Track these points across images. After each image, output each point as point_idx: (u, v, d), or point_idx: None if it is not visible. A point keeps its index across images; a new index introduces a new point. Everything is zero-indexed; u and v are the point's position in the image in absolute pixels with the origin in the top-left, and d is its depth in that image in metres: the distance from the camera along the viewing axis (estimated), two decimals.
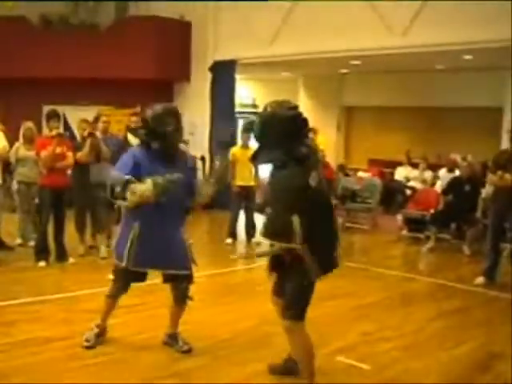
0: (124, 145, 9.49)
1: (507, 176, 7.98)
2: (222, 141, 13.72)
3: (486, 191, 9.98)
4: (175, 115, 5.20)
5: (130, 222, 5.11)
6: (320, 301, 7.25)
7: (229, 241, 10.75)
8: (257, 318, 6.51)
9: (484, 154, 12.62)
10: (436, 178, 13.28)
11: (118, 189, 4.81)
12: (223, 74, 14.60)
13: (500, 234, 8.46)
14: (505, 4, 9.83)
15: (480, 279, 8.51)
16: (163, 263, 5.17)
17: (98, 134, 9.34)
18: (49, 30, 14.10)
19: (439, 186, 12.19)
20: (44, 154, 8.44)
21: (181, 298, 5.38)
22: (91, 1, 14.40)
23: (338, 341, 5.92)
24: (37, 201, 9.03)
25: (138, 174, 4.89)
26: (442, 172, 12.86)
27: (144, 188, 4.77)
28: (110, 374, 4.97)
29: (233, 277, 8.91)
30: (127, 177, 4.83)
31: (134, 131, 7.61)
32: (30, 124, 9.65)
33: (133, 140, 9.39)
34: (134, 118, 10.05)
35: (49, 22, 14.20)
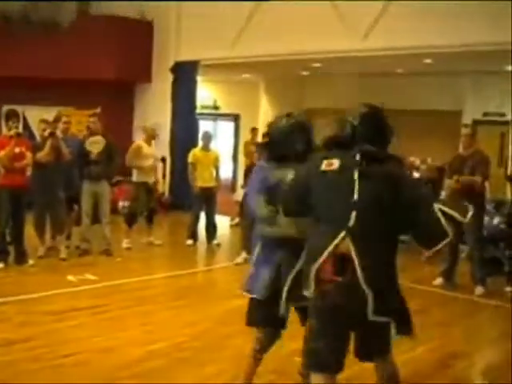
0: (83, 146, 9.49)
1: (462, 179, 8.13)
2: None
3: (445, 194, 10.12)
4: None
5: None
6: None
7: (189, 242, 10.74)
8: (214, 319, 6.54)
9: (443, 158, 12.79)
10: None
11: None
12: (184, 74, 14.57)
13: (458, 236, 8.59)
14: (465, 9, 9.97)
15: (438, 280, 8.64)
16: None
17: (59, 134, 9.27)
18: (9, 27, 13.91)
19: None
20: (2, 153, 8.35)
21: None
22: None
23: (295, 341, 5.92)
24: None
25: None
26: None
27: None
28: (72, 376, 4.95)
29: (193, 278, 8.91)
30: None
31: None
32: None
33: (91, 146, 9.39)
34: (92, 119, 9.97)
35: (8, 19, 14.00)
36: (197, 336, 5.91)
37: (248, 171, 13.95)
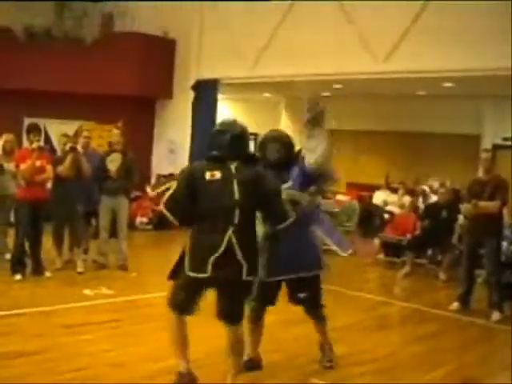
0: (103, 161, 9.52)
1: (481, 203, 8.08)
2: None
3: (463, 217, 10.07)
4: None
5: None
6: (294, 323, 7.30)
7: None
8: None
9: (462, 182, 12.73)
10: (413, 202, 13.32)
11: None
12: (205, 93, 14.64)
13: (475, 261, 8.54)
14: (485, 33, 9.98)
15: (455, 305, 8.57)
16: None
17: (79, 148, 9.34)
18: (33, 42, 14.08)
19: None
20: (23, 166, 8.41)
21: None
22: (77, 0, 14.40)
23: (312, 363, 5.92)
24: (13, 213, 9.01)
25: None
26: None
27: None
28: None
29: (209, 295, 8.88)
30: None
31: None
32: (10, 136, 9.62)
33: (110, 164, 9.44)
34: (116, 131, 9.93)
35: (33, 34, 14.17)
36: (211, 353, 5.87)
37: None
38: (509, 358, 6.45)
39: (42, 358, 5.58)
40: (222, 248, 4.51)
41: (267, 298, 5.46)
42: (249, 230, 4.72)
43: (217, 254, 4.51)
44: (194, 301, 4.83)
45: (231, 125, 4.89)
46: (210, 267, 4.53)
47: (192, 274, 4.64)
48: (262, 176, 4.77)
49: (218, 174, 4.60)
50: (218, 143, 4.75)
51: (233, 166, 4.65)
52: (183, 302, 4.81)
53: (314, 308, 5.65)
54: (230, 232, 4.53)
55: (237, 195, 4.57)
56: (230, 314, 4.80)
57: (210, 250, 4.54)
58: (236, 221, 4.55)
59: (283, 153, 5.45)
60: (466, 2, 10.19)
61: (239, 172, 4.64)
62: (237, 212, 4.55)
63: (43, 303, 7.39)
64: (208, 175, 4.60)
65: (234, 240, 4.54)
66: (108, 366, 5.36)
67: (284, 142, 5.54)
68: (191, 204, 4.61)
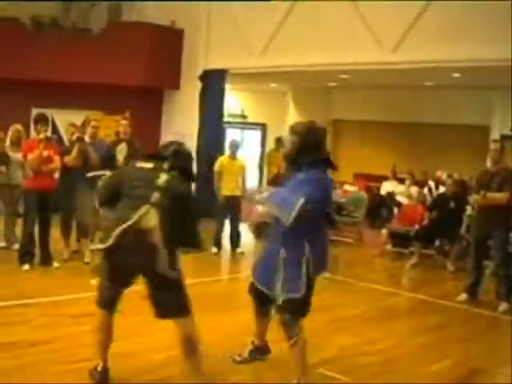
0: (110, 151, 9.53)
1: (490, 195, 8.06)
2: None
3: (471, 208, 10.05)
4: None
5: None
6: None
7: (214, 250, 10.76)
8: (236, 327, 6.55)
9: (470, 172, 12.72)
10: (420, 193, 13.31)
11: None
12: (213, 82, 14.61)
13: (483, 252, 8.52)
14: (494, 23, 9.93)
15: (463, 296, 8.56)
16: None
17: (87, 138, 9.34)
18: (40, 32, 14.08)
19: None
20: (31, 156, 8.44)
21: None
22: (83, 0, 14.39)
23: (319, 353, 5.93)
24: (21, 203, 9.03)
25: None
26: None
27: None
28: (89, 381, 4.97)
29: (216, 286, 8.92)
30: None
31: None
32: (18, 127, 9.64)
33: (118, 154, 9.45)
34: (123, 122, 9.94)
35: (40, 24, 14.17)
36: (218, 343, 5.90)
37: (273, 180, 14.00)
38: None
39: (51, 347, 5.61)
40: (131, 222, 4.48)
41: None
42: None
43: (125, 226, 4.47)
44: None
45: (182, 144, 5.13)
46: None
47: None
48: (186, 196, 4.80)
49: (149, 165, 4.77)
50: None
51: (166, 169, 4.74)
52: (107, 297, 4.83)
53: None
54: (143, 210, 4.49)
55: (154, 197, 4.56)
56: (163, 305, 4.71)
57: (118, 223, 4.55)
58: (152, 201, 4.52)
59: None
60: None
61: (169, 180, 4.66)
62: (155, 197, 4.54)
63: (51, 293, 7.43)
64: (140, 163, 4.84)
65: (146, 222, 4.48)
66: (115, 356, 5.35)
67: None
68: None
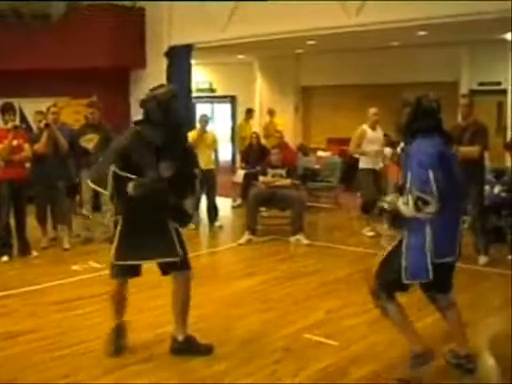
0: (75, 135, 9.50)
1: (462, 149, 8.09)
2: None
3: None
4: None
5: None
6: (286, 280, 7.34)
7: (192, 226, 10.73)
8: (221, 301, 6.59)
9: None
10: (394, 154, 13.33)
11: None
12: (179, 58, 14.48)
13: None
14: None
15: None
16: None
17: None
18: (1, 22, 13.84)
19: None
20: (0, 147, 8.35)
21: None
22: None
23: (305, 318, 5.99)
24: None
25: None
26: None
27: None
28: (84, 363, 4.99)
29: (197, 261, 8.91)
30: None
31: None
32: None
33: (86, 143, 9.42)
34: (90, 110, 9.90)
35: (1, 14, 13.93)
36: (204, 318, 5.92)
37: (245, 153, 13.98)
38: (499, 301, 6.55)
39: (39, 336, 5.61)
40: None
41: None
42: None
43: None
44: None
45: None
46: None
47: None
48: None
49: None
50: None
51: None
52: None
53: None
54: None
55: None
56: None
57: None
58: None
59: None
60: None
61: None
62: None
63: (33, 282, 7.40)
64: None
65: None
66: (102, 340, 5.37)
67: None
68: None
